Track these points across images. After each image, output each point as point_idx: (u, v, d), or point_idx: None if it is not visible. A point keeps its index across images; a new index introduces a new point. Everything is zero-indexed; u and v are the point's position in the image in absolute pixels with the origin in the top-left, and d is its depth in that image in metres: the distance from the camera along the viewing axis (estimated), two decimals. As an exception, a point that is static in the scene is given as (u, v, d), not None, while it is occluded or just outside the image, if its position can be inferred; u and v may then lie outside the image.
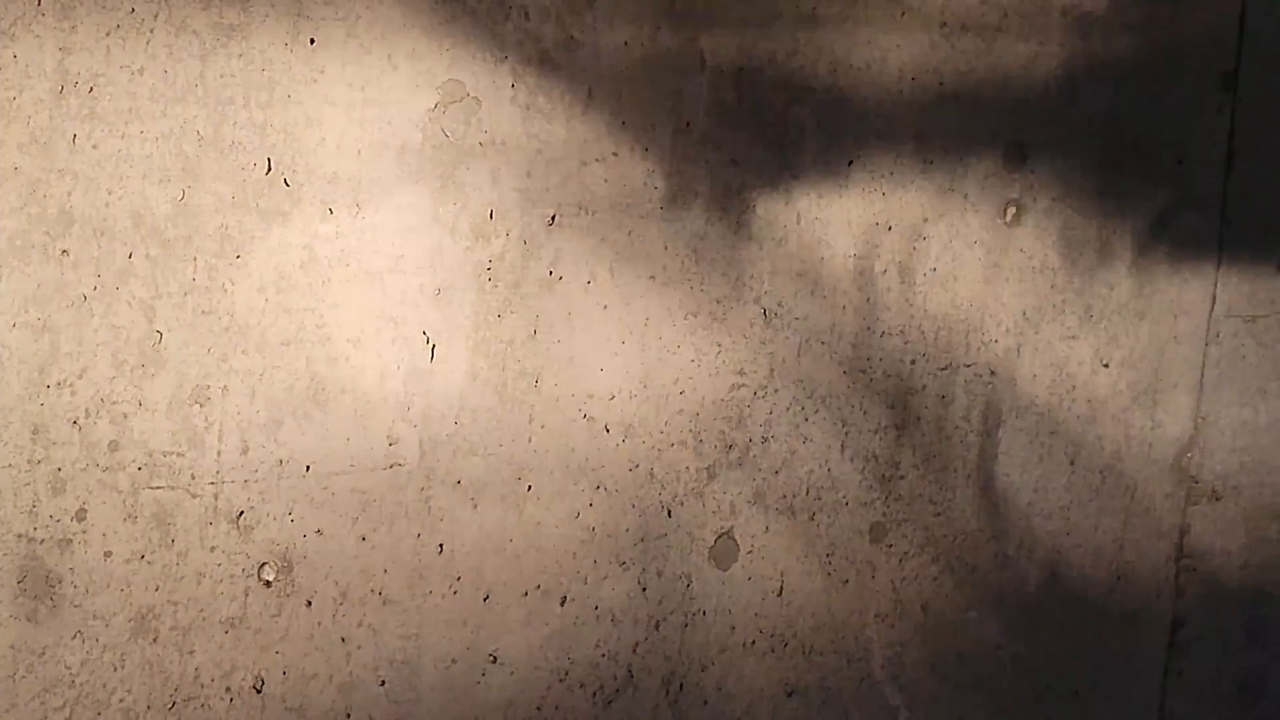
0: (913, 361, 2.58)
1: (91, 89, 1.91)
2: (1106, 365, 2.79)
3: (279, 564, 2.12)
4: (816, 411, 2.51)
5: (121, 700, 2.04)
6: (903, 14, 2.47)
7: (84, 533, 1.99)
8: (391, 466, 2.18)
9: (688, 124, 2.32)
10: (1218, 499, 2.98)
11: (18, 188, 1.89)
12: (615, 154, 2.27)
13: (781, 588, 2.53)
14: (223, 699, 2.11)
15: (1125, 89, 2.70)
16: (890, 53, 2.47)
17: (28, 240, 1.90)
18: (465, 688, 2.28)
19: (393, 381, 2.16)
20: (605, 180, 2.27)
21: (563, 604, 2.35)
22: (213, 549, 2.07)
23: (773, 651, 2.54)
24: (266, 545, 2.11)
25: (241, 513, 2.08)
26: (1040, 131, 2.63)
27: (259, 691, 2.13)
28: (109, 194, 1.94)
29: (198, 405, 2.03)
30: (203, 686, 2.10)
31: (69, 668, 2.01)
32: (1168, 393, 2.86)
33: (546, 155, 2.22)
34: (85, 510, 1.98)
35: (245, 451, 2.07)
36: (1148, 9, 2.71)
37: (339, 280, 2.10)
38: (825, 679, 2.60)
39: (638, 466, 2.37)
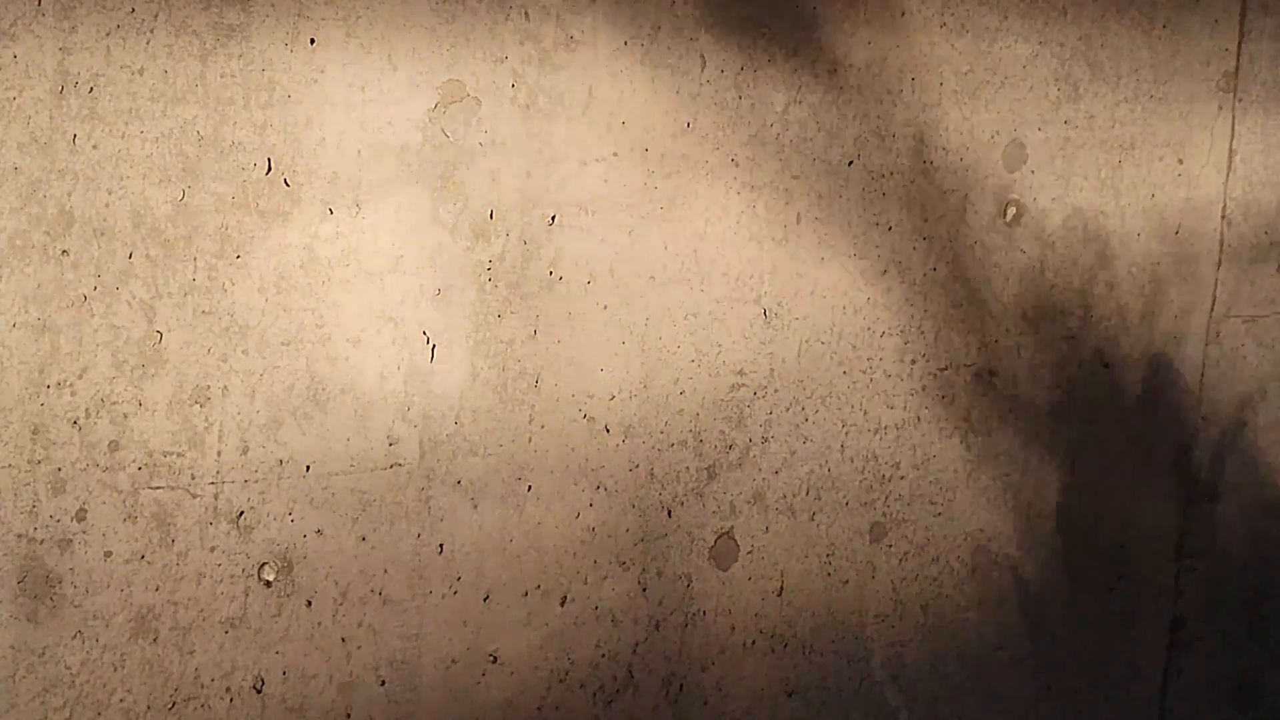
0: (913, 361, 2.58)
1: (91, 89, 1.91)
2: (1107, 365, 2.79)
3: (279, 564, 2.12)
4: (816, 411, 2.51)
5: (121, 700, 2.04)
6: (903, 14, 2.47)
7: (84, 533, 1.99)
8: (391, 466, 2.18)
9: (688, 124, 2.32)
10: (1218, 499, 2.98)
11: (18, 188, 1.89)
12: (615, 154, 2.27)
13: (781, 588, 2.53)
14: (223, 699, 2.11)
15: (1125, 89, 2.71)
16: (890, 53, 2.47)
17: (28, 240, 1.90)
18: (465, 688, 2.28)
19: (393, 381, 2.16)
20: (605, 180, 2.27)
21: (563, 604, 2.35)
22: (213, 549, 2.07)
23: (773, 651, 2.54)
24: (266, 545, 2.10)
25: (241, 513, 2.08)
26: (1040, 131, 2.63)
27: (259, 691, 2.13)
28: (109, 194, 1.94)
29: (198, 405, 2.03)
30: (203, 686, 2.09)
31: (69, 668, 2.01)
32: (1168, 391, 2.86)
33: (546, 155, 2.22)
34: (85, 510, 1.98)
35: (245, 451, 2.07)
36: (1149, 8, 2.71)
37: (339, 280, 2.10)
38: (825, 679, 2.60)
39: (638, 466, 2.37)
